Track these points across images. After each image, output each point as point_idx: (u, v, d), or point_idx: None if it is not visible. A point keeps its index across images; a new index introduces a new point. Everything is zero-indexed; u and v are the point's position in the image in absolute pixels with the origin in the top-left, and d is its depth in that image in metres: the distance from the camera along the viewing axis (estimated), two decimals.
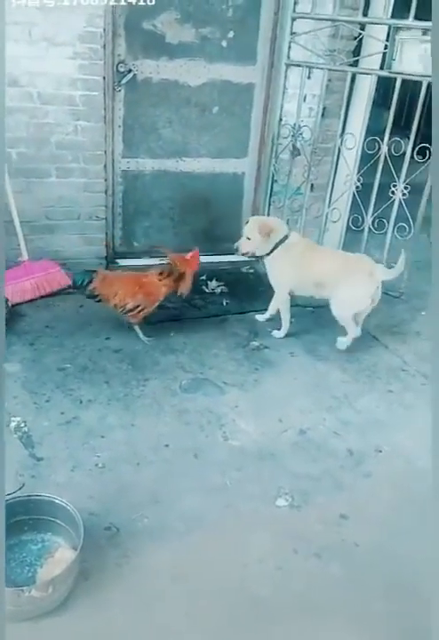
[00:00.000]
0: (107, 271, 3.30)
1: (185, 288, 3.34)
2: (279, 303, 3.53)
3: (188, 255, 3.38)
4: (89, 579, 1.96)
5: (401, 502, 2.41)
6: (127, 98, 3.80)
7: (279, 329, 3.55)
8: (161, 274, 3.29)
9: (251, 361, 3.29)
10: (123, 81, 3.72)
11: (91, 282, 3.19)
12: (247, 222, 3.44)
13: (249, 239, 3.34)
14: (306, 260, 3.35)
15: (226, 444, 2.66)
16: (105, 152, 3.78)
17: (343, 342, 3.44)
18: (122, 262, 4.18)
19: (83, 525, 1.92)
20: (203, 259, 4.33)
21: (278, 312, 3.58)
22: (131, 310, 3.23)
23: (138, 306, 3.22)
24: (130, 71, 3.71)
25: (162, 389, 2.97)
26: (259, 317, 3.71)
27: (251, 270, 4.40)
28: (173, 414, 2.80)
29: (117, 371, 3.07)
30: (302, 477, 2.49)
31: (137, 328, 3.33)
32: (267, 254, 3.38)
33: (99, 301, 3.26)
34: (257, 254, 3.42)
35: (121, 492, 2.32)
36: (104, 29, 3.45)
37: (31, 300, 3.58)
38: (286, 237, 3.35)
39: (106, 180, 3.86)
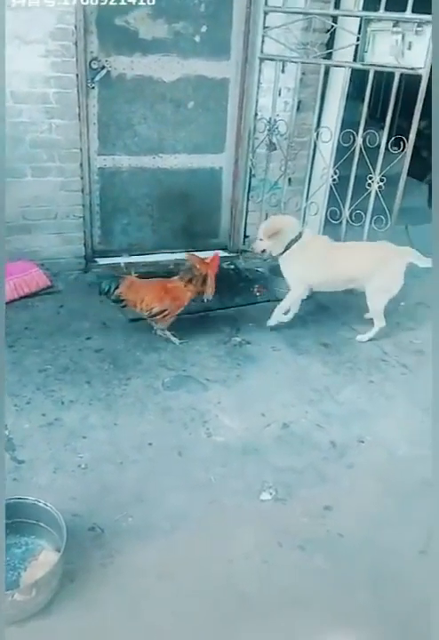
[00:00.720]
0: (133, 277, 3.33)
1: (209, 291, 3.38)
2: (292, 299, 3.50)
3: (209, 258, 3.42)
4: (74, 580, 1.95)
5: (383, 492, 2.44)
6: (101, 95, 3.77)
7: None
8: (182, 279, 3.33)
9: (233, 357, 3.29)
10: (97, 78, 3.69)
11: (117, 287, 3.23)
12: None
13: (261, 240, 3.38)
14: (331, 257, 3.39)
15: (209, 440, 2.66)
16: (80, 150, 3.76)
17: (365, 336, 3.50)
18: (101, 261, 4.15)
19: (66, 527, 1.91)
20: (184, 255, 4.34)
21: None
22: (156, 314, 3.25)
23: (164, 310, 3.25)
24: (103, 68, 3.68)
25: (144, 388, 2.96)
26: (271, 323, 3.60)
27: (232, 266, 4.40)
28: (156, 412, 2.80)
29: (99, 370, 3.05)
30: (286, 471, 2.50)
31: (167, 332, 3.34)
32: (281, 253, 3.40)
33: (124, 306, 3.31)
34: (272, 254, 3.44)
35: (104, 492, 2.31)
36: (75, 26, 3.43)
37: (10, 302, 3.53)
38: (300, 235, 3.36)
39: (82, 178, 3.83)
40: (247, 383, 3.08)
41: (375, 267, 3.36)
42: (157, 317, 3.26)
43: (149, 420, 2.74)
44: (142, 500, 2.29)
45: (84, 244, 4.03)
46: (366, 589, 2.03)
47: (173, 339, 3.34)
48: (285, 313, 3.58)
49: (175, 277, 3.38)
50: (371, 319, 3.57)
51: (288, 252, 3.38)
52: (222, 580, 2.02)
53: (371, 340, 3.51)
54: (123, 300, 3.26)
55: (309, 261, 3.36)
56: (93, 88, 3.72)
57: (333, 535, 2.22)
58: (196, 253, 4.07)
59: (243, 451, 2.61)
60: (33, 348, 3.17)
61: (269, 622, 1.90)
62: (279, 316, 3.54)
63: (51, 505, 1.98)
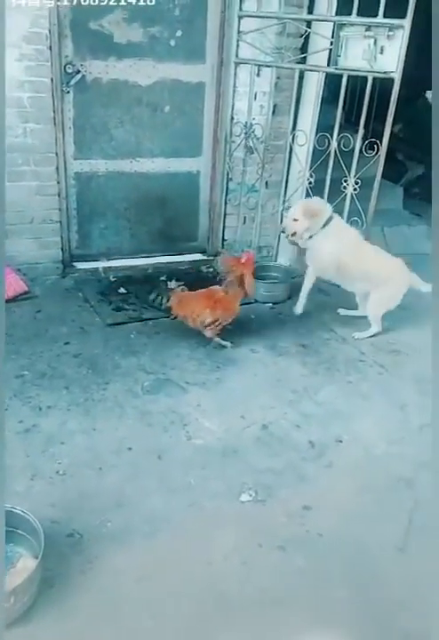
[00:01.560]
0: (181, 291, 3.43)
1: (249, 290, 3.42)
2: (310, 279, 3.63)
3: (243, 258, 3.45)
4: (53, 586, 1.94)
5: (361, 490, 2.46)
6: (77, 99, 3.76)
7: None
8: (224, 288, 3.39)
9: (212, 359, 3.30)
10: (72, 82, 3.67)
11: (168, 300, 3.36)
12: (289, 206, 3.63)
13: (296, 220, 3.47)
14: (354, 251, 3.49)
15: (189, 443, 2.66)
16: (56, 154, 3.73)
17: (362, 335, 3.62)
18: (79, 265, 4.13)
19: (43, 533, 1.90)
20: (162, 259, 4.36)
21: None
22: (209, 325, 3.31)
23: (216, 320, 3.30)
24: (78, 72, 3.67)
25: (123, 392, 2.95)
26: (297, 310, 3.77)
27: (211, 269, 4.41)
28: (136, 416, 2.79)
29: (77, 375, 3.03)
30: (265, 472, 2.51)
31: (217, 339, 3.38)
32: (311, 237, 3.50)
33: (174, 318, 3.41)
34: (305, 235, 3.52)
35: (83, 497, 2.29)
36: (49, 30, 3.42)
37: None
38: (331, 218, 3.48)
39: (58, 182, 3.81)
40: (227, 385, 3.09)
41: (389, 277, 3.50)
42: (211, 327, 3.31)
43: (128, 424, 2.74)
44: (122, 504, 2.28)
45: (62, 249, 4.00)
46: (345, 588, 2.05)
47: (224, 343, 3.40)
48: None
49: (217, 288, 3.44)
50: (348, 316, 3.79)
51: (321, 231, 3.47)
52: (202, 582, 2.02)
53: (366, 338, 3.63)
54: (173, 314, 3.39)
55: (341, 245, 3.47)
56: (68, 92, 3.70)
57: (313, 535, 2.24)
58: (178, 256, 4.12)
59: (222, 453, 2.61)
60: (10, 354, 3.14)
61: (249, 623, 1.91)
62: (303, 301, 3.69)
63: (29, 512, 1.97)
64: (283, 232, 3.59)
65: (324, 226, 3.46)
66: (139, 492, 2.35)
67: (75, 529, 2.14)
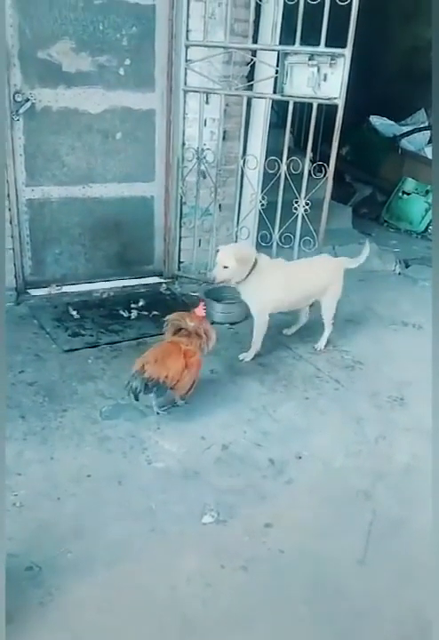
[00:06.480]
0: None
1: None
2: (259, 329, 3.54)
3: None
4: (12, 621, 1.88)
5: (320, 504, 2.50)
6: (27, 127, 3.76)
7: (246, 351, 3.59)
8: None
9: None
10: (21, 110, 3.68)
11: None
12: (217, 251, 3.44)
13: (226, 268, 3.32)
14: (289, 279, 3.50)
15: (150, 467, 2.64)
16: (7, 181, 3.71)
17: (322, 341, 3.75)
18: (34, 292, 4.09)
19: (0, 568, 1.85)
20: (119, 283, 4.36)
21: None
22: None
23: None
24: (27, 100, 3.67)
25: (81, 419, 2.91)
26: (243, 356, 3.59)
27: (168, 292, 4.43)
28: (94, 443, 2.76)
29: (33, 404, 2.98)
30: (226, 492, 2.52)
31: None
32: (242, 281, 3.42)
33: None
34: (233, 282, 3.42)
35: (42, 529, 2.25)
36: None
37: None
38: (256, 262, 3.41)
39: (10, 209, 3.78)
40: (186, 407, 3.08)
41: (330, 278, 3.64)
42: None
43: (87, 451, 2.70)
44: (82, 533, 2.25)
45: (15, 276, 3.96)
46: (308, 604, 2.07)
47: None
48: (289, 327, 3.87)
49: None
50: (292, 333, 3.90)
51: (248, 278, 3.41)
52: (166, 607, 2.00)
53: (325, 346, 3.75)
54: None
55: (268, 287, 3.44)
56: (18, 120, 3.70)
57: (274, 552, 2.25)
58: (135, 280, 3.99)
59: (183, 475, 2.61)
60: None
61: None
62: (254, 351, 3.58)
63: None
64: (213, 281, 3.42)
65: (253, 268, 3.39)
66: (100, 519, 2.32)
67: (34, 561, 2.10)
